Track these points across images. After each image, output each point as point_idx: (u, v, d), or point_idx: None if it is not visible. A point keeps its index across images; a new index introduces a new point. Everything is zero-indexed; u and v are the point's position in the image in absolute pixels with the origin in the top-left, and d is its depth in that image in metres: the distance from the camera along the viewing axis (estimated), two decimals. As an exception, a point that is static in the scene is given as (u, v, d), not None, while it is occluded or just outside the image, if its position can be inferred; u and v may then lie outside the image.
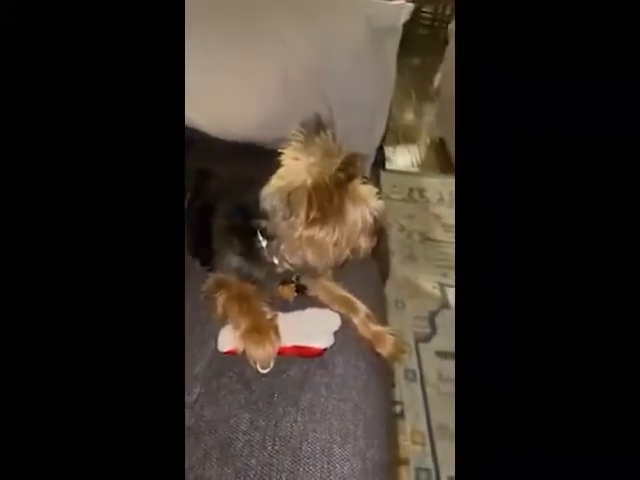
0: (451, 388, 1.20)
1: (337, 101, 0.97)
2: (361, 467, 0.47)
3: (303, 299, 0.62)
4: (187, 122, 1.00)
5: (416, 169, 2.28)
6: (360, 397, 0.54)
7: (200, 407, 0.50)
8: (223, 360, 0.55)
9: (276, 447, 0.47)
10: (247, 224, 0.61)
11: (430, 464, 1.02)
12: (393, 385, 1.18)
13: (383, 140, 1.12)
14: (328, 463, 0.47)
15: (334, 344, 0.58)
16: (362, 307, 0.64)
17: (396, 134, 2.58)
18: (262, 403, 0.51)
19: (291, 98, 0.98)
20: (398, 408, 1.14)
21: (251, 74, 1.02)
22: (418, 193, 2.02)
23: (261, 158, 1.00)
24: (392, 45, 1.04)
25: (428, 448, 1.05)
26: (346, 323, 0.61)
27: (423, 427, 1.10)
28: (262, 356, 0.52)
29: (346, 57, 0.98)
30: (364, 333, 0.62)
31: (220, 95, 1.01)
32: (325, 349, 0.56)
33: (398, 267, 1.57)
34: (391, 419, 0.61)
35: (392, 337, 0.62)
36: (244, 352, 0.53)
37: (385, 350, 0.62)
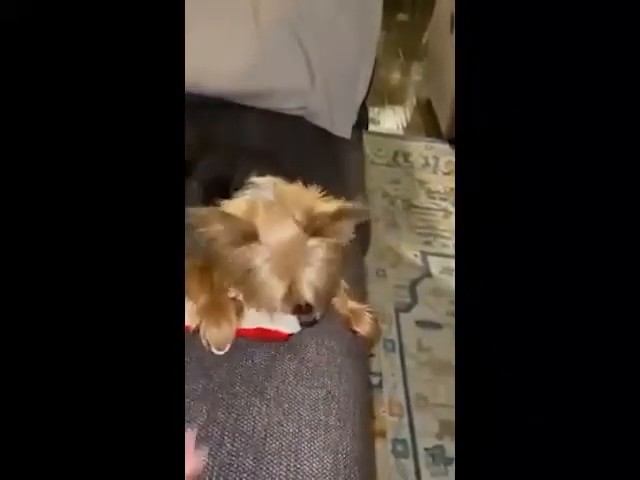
0: (430, 357, 1.18)
1: (316, 52, 0.88)
2: (332, 462, 0.43)
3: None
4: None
5: (401, 132, 2.19)
6: (333, 383, 0.49)
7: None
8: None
9: (236, 444, 0.42)
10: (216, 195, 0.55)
11: (407, 435, 1.01)
12: (373, 355, 1.16)
13: (366, 98, 1.03)
14: (295, 460, 0.42)
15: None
16: (341, 282, 0.58)
17: (382, 95, 2.46)
18: (222, 393, 0.45)
19: (265, 47, 0.88)
20: (376, 379, 1.12)
21: (222, 22, 0.90)
22: (403, 157, 1.94)
23: (230, 114, 0.91)
24: (378, -10, 0.93)
25: (405, 419, 1.04)
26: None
27: (401, 398, 1.08)
28: (217, 337, 0.46)
29: (326, 2, 0.88)
30: (342, 311, 0.57)
31: (191, 46, 0.90)
32: (292, 334, 0.50)
33: (380, 235, 1.52)
34: (368, 404, 0.56)
35: (371, 315, 0.57)
36: (198, 330, 0.47)
37: (363, 329, 0.57)
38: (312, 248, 0.46)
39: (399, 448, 0.99)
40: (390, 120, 2.27)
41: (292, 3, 0.87)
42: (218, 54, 0.90)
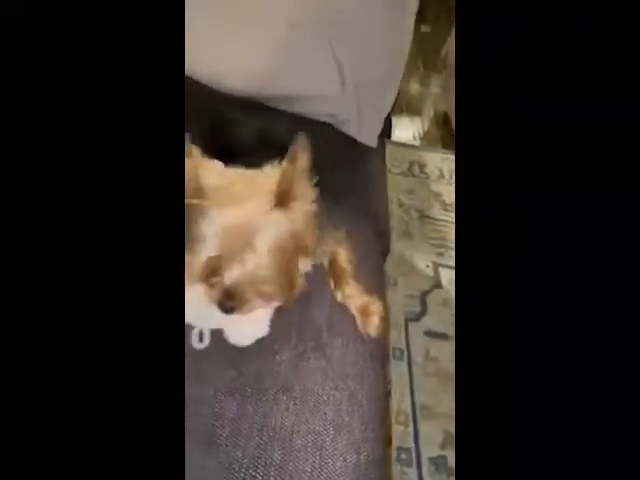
0: (437, 368, 1.18)
1: (348, 59, 0.89)
2: (355, 463, 0.44)
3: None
4: (187, 71, 0.91)
5: (418, 142, 2.20)
6: (356, 386, 0.50)
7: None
8: (210, 337, 0.50)
9: (264, 438, 0.43)
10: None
11: (411, 444, 1.02)
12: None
13: (393, 107, 1.05)
14: (320, 458, 0.43)
15: (331, 325, 0.54)
16: (352, 281, 0.58)
17: (400, 104, 2.48)
18: (251, 388, 0.46)
19: (298, 51, 0.89)
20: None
21: (254, 21, 0.92)
22: (418, 168, 1.95)
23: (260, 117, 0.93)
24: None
25: (410, 428, 1.05)
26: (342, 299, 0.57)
27: (407, 407, 1.09)
28: None
29: (361, 7, 0.89)
30: (350, 307, 0.56)
31: (221, 44, 0.91)
32: None
33: (394, 244, 1.53)
34: (386, 410, 0.57)
35: (379, 311, 0.56)
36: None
37: (368, 326, 0.55)
38: (268, 226, 0.45)
39: (403, 456, 0.99)
40: (407, 130, 2.28)
41: (328, 11, 0.88)
42: (249, 54, 0.91)
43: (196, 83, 0.91)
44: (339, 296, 0.57)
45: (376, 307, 0.56)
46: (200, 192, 0.46)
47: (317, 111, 0.93)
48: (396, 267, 1.44)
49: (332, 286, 0.58)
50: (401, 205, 1.71)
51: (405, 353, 1.21)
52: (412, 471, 0.97)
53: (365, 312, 0.56)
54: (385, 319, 0.56)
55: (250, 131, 0.71)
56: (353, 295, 0.58)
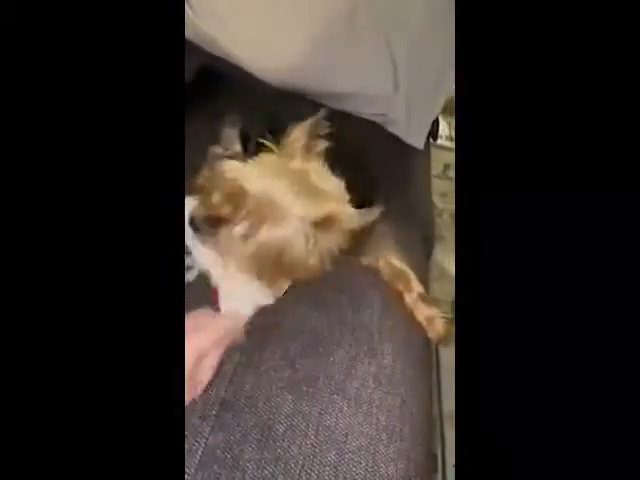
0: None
1: (404, 61, 0.88)
2: (405, 469, 0.44)
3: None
4: (235, 61, 0.91)
5: (452, 145, 2.17)
6: (408, 393, 0.50)
7: (239, 379, 0.46)
8: (266, 332, 0.50)
9: (320, 437, 0.43)
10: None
11: (438, 449, 1.02)
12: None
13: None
14: (373, 462, 0.43)
15: (382, 329, 0.54)
16: (418, 286, 0.59)
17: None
18: (306, 386, 0.47)
19: (353, 47, 0.88)
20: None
21: (311, 16, 0.91)
22: (453, 170, 1.92)
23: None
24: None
25: (437, 434, 1.04)
26: (396, 306, 0.57)
27: (435, 412, 1.08)
28: None
29: (419, 8, 0.88)
30: (417, 315, 0.58)
31: (279, 42, 0.90)
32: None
33: (427, 246, 1.51)
34: (434, 419, 0.57)
35: (444, 321, 0.58)
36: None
37: (436, 336, 0.57)
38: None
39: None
40: (442, 130, 2.25)
41: (390, 12, 0.87)
42: (303, 50, 0.91)
43: (250, 79, 0.91)
44: (408, 299, 0.58)
45: (442, 318, 0.57)
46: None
47: (367, 110, 0.93)
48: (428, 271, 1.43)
49: (400, 289, 0.59)
50: (435, 208, 1.68)
51: (434, 359, 1.20)
52: (437, 477, 0.97)
53: (431, 321, 0.56)
54: (450, 328, 0.57)
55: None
56: (421, 300, 0.58)
